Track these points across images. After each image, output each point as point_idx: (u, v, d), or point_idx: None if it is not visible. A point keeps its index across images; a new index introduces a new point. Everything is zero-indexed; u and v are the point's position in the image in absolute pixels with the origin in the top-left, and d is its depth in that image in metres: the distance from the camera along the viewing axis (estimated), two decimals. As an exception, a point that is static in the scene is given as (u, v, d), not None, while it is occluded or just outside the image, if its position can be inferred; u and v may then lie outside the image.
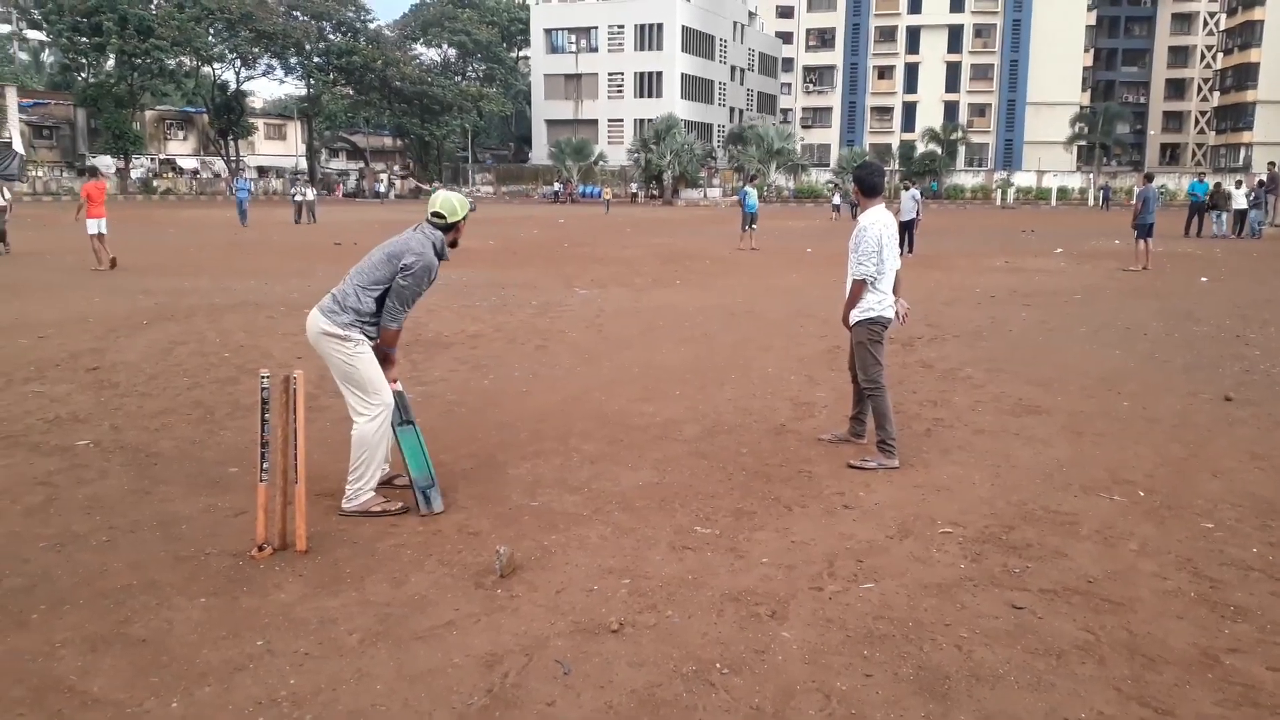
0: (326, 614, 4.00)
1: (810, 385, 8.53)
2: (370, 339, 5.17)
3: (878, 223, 6.19)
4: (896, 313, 6.47)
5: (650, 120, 70.20)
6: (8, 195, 22.27)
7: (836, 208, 44.92)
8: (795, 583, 4.33)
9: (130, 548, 4.69)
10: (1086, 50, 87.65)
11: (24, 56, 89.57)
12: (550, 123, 79.48)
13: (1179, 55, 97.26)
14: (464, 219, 5.38)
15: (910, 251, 21.83)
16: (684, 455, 6.34)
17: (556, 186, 69.18)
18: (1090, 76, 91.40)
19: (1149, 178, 19.50)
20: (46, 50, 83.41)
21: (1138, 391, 8.24)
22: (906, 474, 5.96)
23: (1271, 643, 3.81)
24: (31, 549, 4.66)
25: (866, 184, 6.30)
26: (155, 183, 67.84)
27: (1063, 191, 68.27)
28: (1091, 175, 71.49)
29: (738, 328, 11.77)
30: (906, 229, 22.25)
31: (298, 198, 37.14)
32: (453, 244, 5.39)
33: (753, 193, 26.38)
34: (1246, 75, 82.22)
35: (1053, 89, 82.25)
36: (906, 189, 24.67)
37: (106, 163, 67.05)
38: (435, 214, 5.30)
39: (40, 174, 60.41)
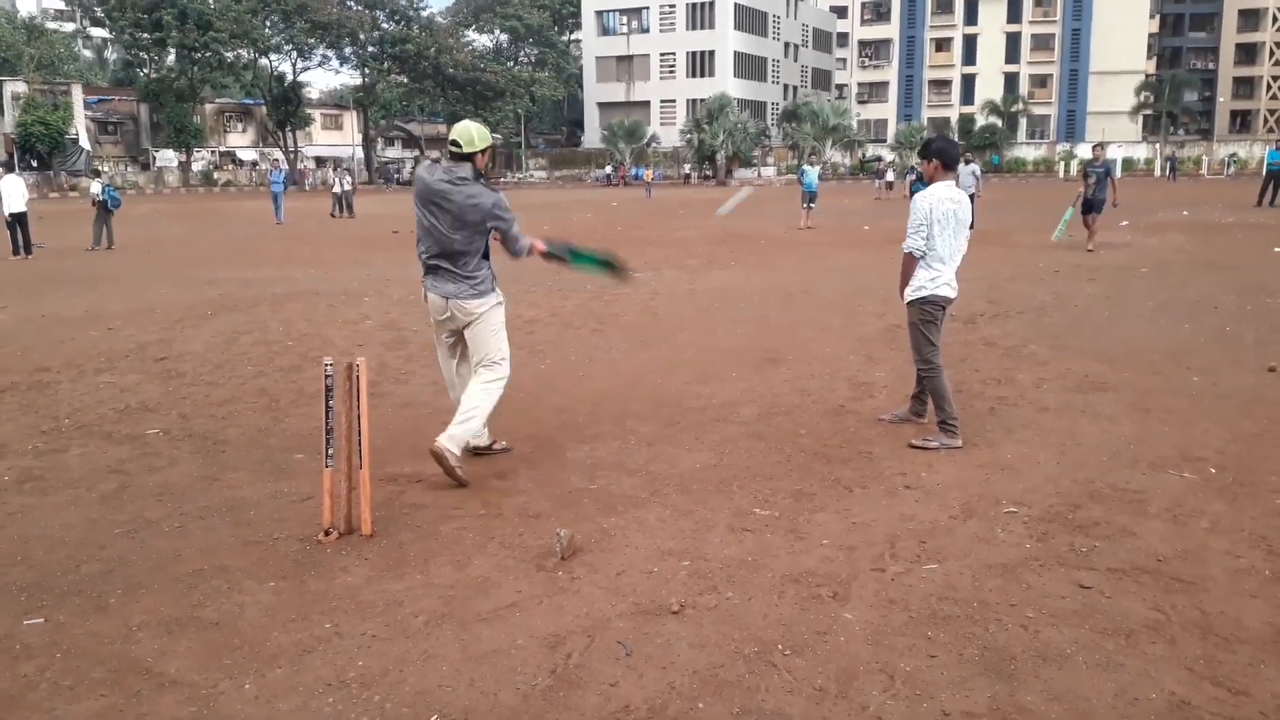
0: (392, 597, 4.06)
1: (869, 365, 8.45)
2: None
3: (930, 195, 6.08)
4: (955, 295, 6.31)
5: (703, 100, 69.90)
6: (95, 189, 22.58)
7: (890, 184, 43.27)
8: (856, 564, 4.31)
9: (201, 533, 4.81)
10: (1152, 16, 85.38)
11: (88, 54, 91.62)
12: (602, 105, 79.48)
13: (1249, 19, 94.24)
14: (484, 150, 5.39)
15: (970, 228, 21.18)
16: (741, 437, 6.32)
17: (609, 170, 69.18)
18: (1156, 43, 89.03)
19: (1096, 148, 18.69)
20: (110, 47, 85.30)
21: (1207, 367, 8.04)
22: (970, 453, 5.88)
23: (1351, 622, 3.70)
24: (107, 535, 4.80)
25: (947, 155, 6.15)
26: (216, 175, 69.14)
27: (1128, 163, 66.65)
28: (1158, 145, 69.75)
29: (794, 308, 11.70)
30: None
31: (335, 189, 34.93)
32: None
33: (811, 171, 26.11)
34: (1321, 36, 79.50)
35: (1117, 57, 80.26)
36: (966, 163, 24.12)
37: (169, 156, 68.51)
38: (452, 142, 5.35)
39: (107, 169, 61.92)
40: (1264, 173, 30.70)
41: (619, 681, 3.37)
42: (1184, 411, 6.67)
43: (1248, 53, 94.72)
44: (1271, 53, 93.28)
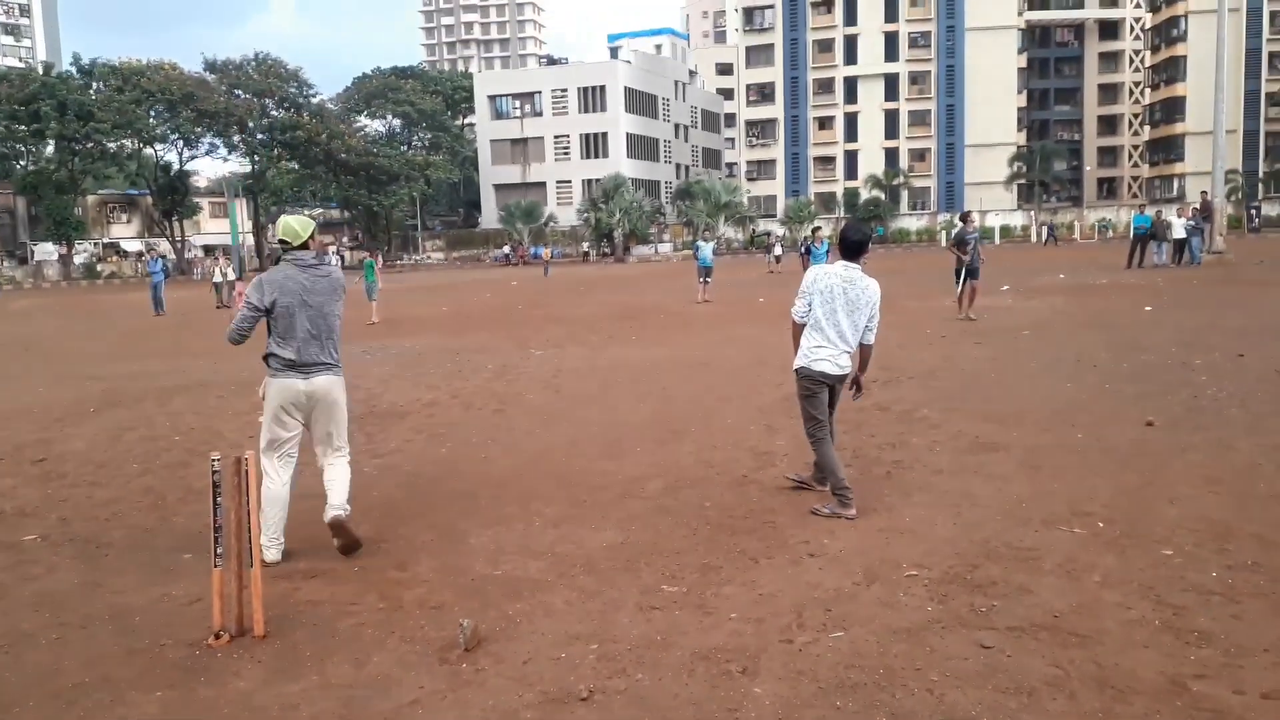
0: (287, 700, 3.90)
1: (770, 434, 8.55)
2: None
3: (823, 269, 6.30)
4: (850, 378, 6.44)
5: (598, 180, 70.95)
6: None
7: (778, 258, 42.89)
8: (765, 636, 4.30)
9: (82, 644, 4.55)
10: (1020, 92, 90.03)
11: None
12: (499, 187, 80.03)
13: (1109, 92, 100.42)
14: (311, 235, 5.74)
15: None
16: (648, 512, 6.30)
17: (507, 249, 69.44)
18: (1025, 116, 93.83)
19: (966, 217, 19.48)
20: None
21: (1091, 423, 8.35)
22: (869, 518, 5.96)
23: (1236, 666, 3.83)
24: (-22, 651, 4.51)
25: (843, 240, 6.33)
26: (99, 267, 67.15)
27: (1005, 229, 69.87)
28: (1032, 213, 73.13)
29: (695, 380, 11.80)
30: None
31: (216, 279, 32.47)
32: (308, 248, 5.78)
33: (705, 246, 26.62)
34: (1174, 109, 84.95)
35: (990, 130, 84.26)
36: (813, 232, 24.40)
37: (48, 249, 66.32)
38: (283, 241, 5.73)
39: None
40: (1130, 236, 32.42)
41: (528, 774, 3.28)
42: (1072, 468, 6.89)
43: (1109, 124, 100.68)
44: (1130, 123, 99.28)
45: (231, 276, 32.31)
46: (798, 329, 6.37)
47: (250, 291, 5.63)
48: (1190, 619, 4.28)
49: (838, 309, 6.19)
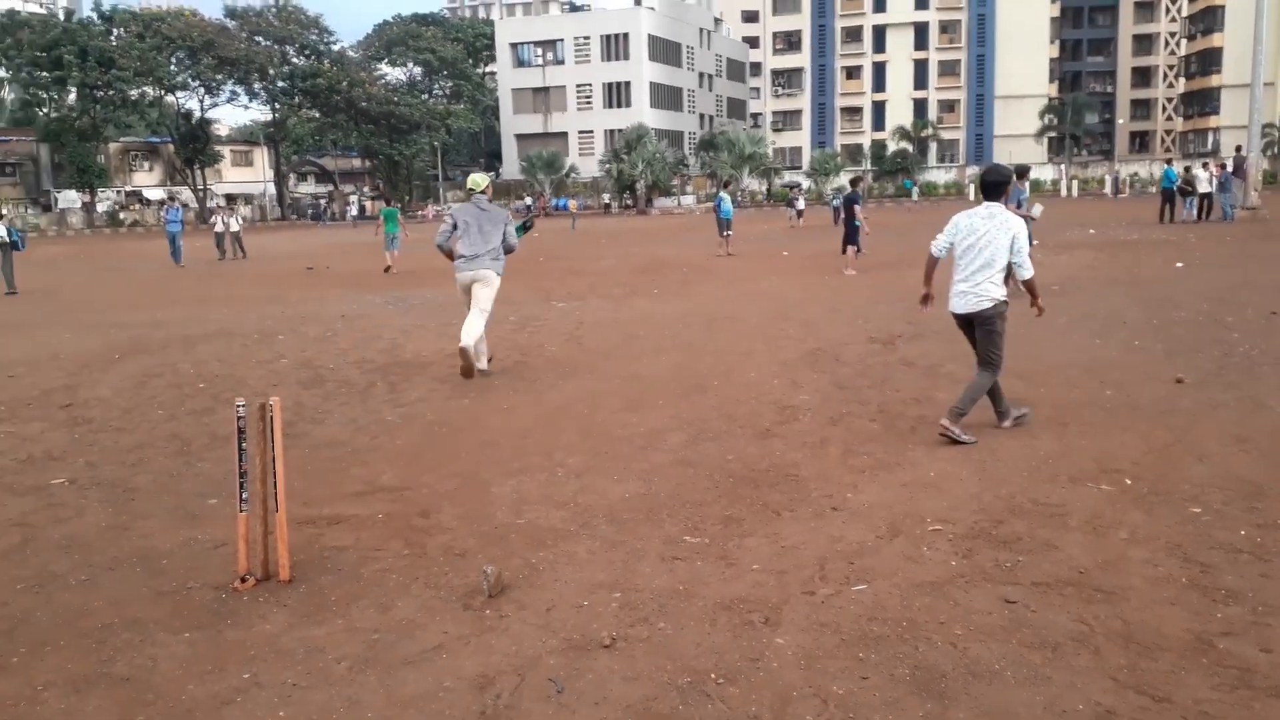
0: (313, 643, 3.93)
1: (793, 389, 8.51)
2: None
3: (967, 212, 6.65)
4: (968, 309, 6.62)
5: (620, 130, 70.32)
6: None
7: (800, 213, 40.56)
8: (787, 588, 4.30)
9: (110, 585, 4.61)
10: (1052, 42, 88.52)
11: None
12: (520, 137, 79.48)
13: (1143, 43, 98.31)
14: (486, 187, 9.59)
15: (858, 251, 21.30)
16: (670, 465, 6.30)
17: (529, 200, 69.14)
18: (1057, 68, 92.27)
19: (854, 182, 19.47)
20: (6, 86, 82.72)
21: (1120, 380, 8.26)
22: (893, 472, 5.94)
23: (1263, 624, 3.80)
24: (9, 591, 4.57)
25: (982, 182, 6.70)
26: (122, 215, 67.38)
27: (1035, 184, 68.78)
28: (1063, 166, 72.08)
29: (718, 334, 11.76)
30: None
31: (218, 228, 30.99)
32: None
33: (727, 198, 26.41)
34: (1211, 60, 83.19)
35: (1021, 82, 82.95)
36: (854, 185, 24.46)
37: (71, 197, 66.54)
38: (469, 189, 9.61)
39: (6, 211, 59.97)
40: (1160, 191, 31.95)
41: (551, 720, 3.30)
42: (1100, 424, 6.83)
43: (1143, 76, 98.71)
44: (1165, 76, 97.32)
45: (235, 227, 31.01)
46: (931, 262, 6.87)
47: (448, 215, 9.45)
48: (1218, 577, 4.24)
49: (973, 246, 6.48)
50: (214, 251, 30.37)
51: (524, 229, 10.58)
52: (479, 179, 9.62)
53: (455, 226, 9.24)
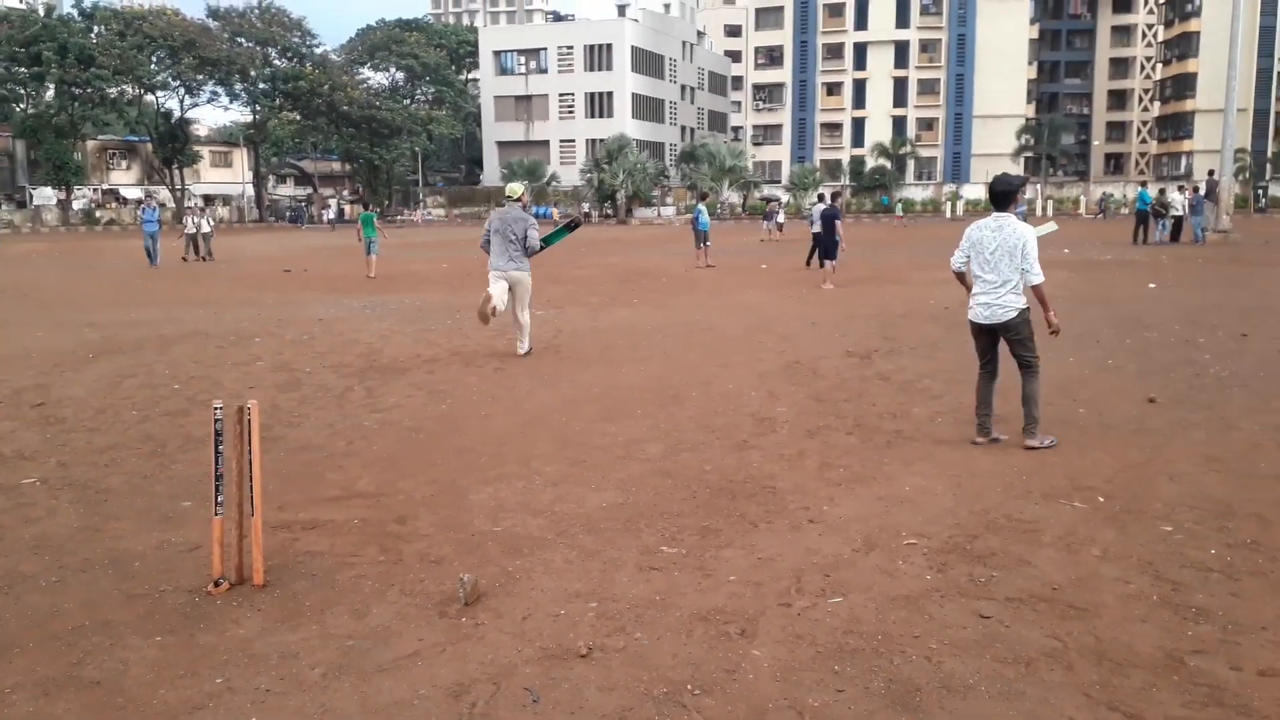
0: (287, 649, 3.91)
1: (771, 401, 8.54)
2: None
3: (977, 224, 6.79)
4: (992, 320, 6.73)
5: (602, 140, 70.41)
6: None
7: (780, 225, 40.89)
8: (763, 600, 4.31)
9: (81, 587, 4.56)
10: (1030, 63, 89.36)
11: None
12: (501, 144, 79.45)
13: (1120, 67, 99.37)
14: (520, 196, 10.93)
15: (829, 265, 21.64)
16: (647, 475, 6.30)
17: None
18: (1035, 89, 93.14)
19: (821, 197, 19.83)
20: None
21: (1093, 398, 8.34)
22: (869, 486, 5.97)
23: (1233, 643, 3.84)
24: (-23, 592, 4.51)
25: (990, 193, 6.79)
26: (98, 213, 66.76)
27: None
28: (1039, 186, 72.71)
29: (696, 345, 11.78)
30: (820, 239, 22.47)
31: (189, 229, 30.37)
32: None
33: (704, 210, 26.51)
34: (1185, 85, 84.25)
35: (998, 102, 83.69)
36: (819, 200, 25.03)
37: (47, 194, 65.87)
38: (507, 197, 10.95)
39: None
40: (1134, 213, 32.32)
41: (526, 729, 3.29)
42: (1073, 442, 6.89)
43: (1119, 99, 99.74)
44: (1140, 99, 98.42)
45: (206, 229, 30.54)
46: (958, 276, 7.02)
47: (488, 223, 10.78)
48: (1189, 595, 4.29)
49: (985, 258, 6.61)
50: (186, 253, 29.95)
51: (569, 229, 12.38)
52: (515, 187, 10.98)
53: (490, 231, 10.77)
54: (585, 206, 70.58)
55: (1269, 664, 3.66)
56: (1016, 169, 79.33)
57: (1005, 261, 6.55)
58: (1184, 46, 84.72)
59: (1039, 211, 64.87)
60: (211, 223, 32.57)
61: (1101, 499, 5.64)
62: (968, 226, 6.93)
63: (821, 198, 25.57)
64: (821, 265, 19.44)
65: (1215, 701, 3.40)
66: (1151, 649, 3.80)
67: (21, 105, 65.35)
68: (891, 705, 3.40)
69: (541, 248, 10.83)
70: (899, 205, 67.46)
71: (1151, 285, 17.80)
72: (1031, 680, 3.56)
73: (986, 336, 6.88)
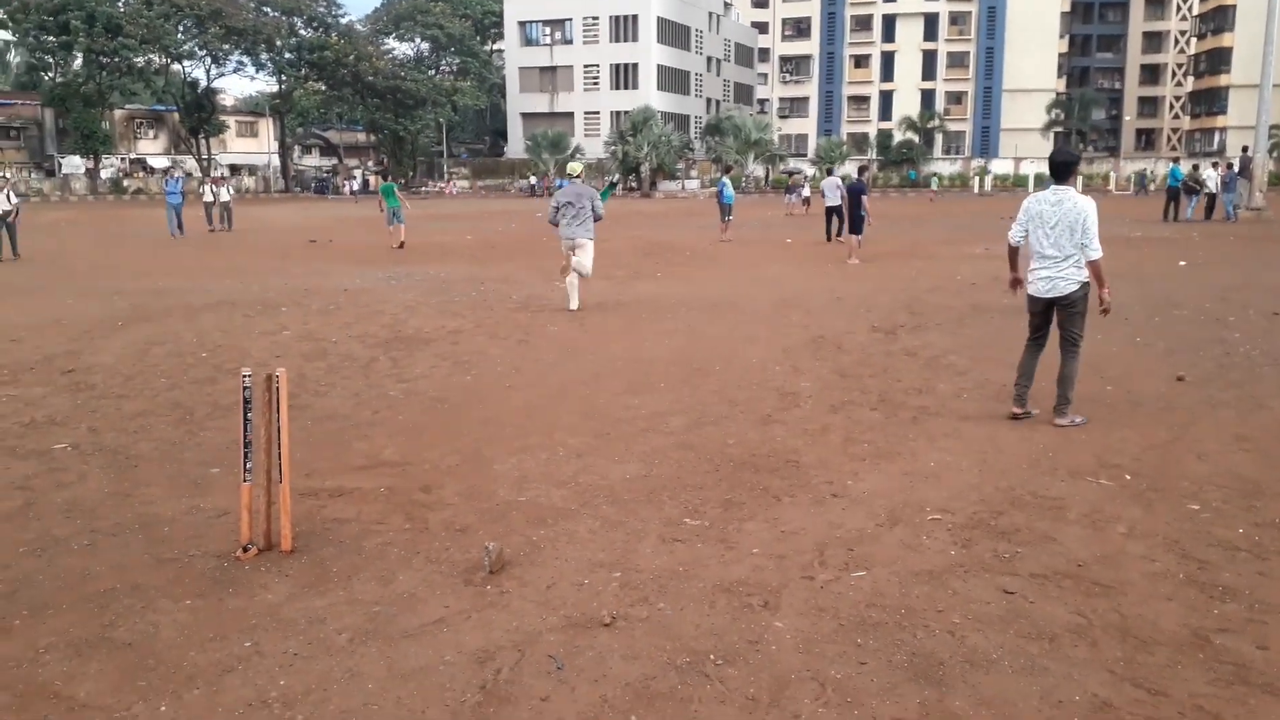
0: (315, 614, 3.96)
1: (795, 375, 8.52)
2: None
3: (1035, 196, 6.70)
4: (1053, 293, 6.62)
5: (627, 112, 70.02)
6: (14, 200, 21.38)
7: (806, 200, 39.02)
8: (786, 572, 4.32)
9: (112, 551, 4.63)
10: (1062, 37, 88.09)
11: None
12: (526, 116, 79.17)
13: (1153, 40, 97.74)
14: (580, 173, 12.85)
15: (841, 236, 22.26)
16: (671, 447, 6.31)
17: (533, 179, 68.92)
18: (1066, 63, 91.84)
19: (831, 171, 19.86)
20: (12, 50, 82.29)
21: (1121, 376, 8.28)
22: (894, 461, 5.96)
23: (1260, 621, 3.82)
24: (11, 554, 4.59)
25: (1050, 165, 6.69)
26: (126, 182, 67.18)
27: (1040, 178, 68.52)
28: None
29: (720, 319, 11.76)
30: (834, 213, 23.23)
31: (207, 197, 30.05)
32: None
33: (729, 183, 26.37)
34: (1220, 60, 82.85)
35: (1029, 76, 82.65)
36: (828, 174, 25.21)
37: (75, 163, 66.32)
38: (568, 174, 12.72)
39: (8, 175, 59.76)
40: (1165, 189, 31.89)
41: (550, 696, 3.33)
42: (1100, 419, 6.84)
43: (1152, 73, 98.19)
44: (1173, 74, 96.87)
45: (225, 198, 30.35)
46: (1012, 251, 6.99)
47: (553, 198, 12.39)
48: (1215, 573, 4.27)
49: (1045, 232, 6.54)
50: (211, 223, 29.99)
51: (611, 188, 16.62)
52: (575, 166, 12.97)
53: (559, 205, 12.15)
54: (609, 178, 70.38)
55: (1296, 643, 3.64)
56: (1045, 144, 78.48)
57: (1066, 236, 6.47)
58: (1219, 20, 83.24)
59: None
60: (231, 192, 32.20)
61: (1128, 477, 5.60)
62: (1024, 200, 6.84)
63: (831, 171, 25.80)
64: (839, 237, 19.36)
65: (1240, 680, 3.39)
66: (1177, 627, 3.78)
67: (50, 74, 65.74)
68: (914, 678, 3.41)
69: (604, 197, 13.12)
70: (933, 180, 66.87)
71: (1182, 263, 17.58)
72: (1055, 656, 3.56)
73: (1043, 312, 6.79)
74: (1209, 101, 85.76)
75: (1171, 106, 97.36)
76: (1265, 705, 3.23)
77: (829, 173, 25.34)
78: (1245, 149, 33.03)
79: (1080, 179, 40.47)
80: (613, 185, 16.19)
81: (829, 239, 23.45)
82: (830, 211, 23.73)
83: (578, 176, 12.59)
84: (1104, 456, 5.98)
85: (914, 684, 3.38)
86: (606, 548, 4.62)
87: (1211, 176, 30.62)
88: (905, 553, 4.53)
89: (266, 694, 3.35)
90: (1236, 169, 31.00)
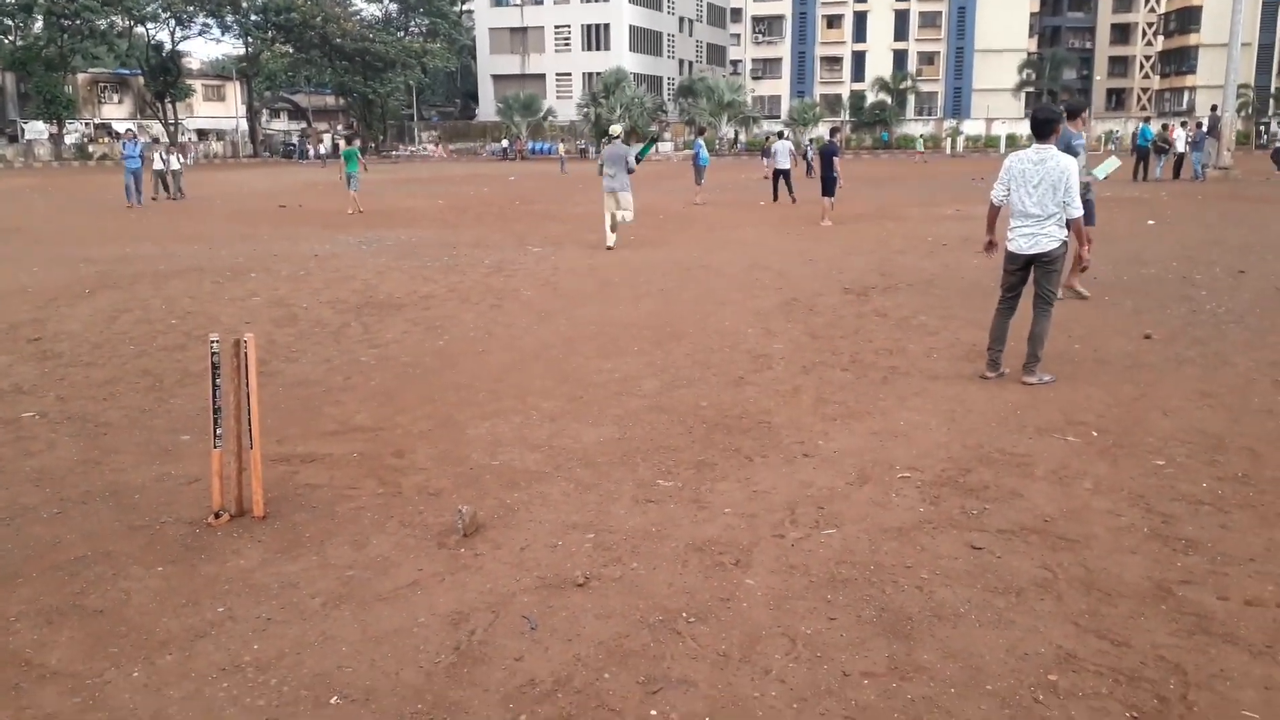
0: (287, 578, 3.96)
1: (767, 338, 8.55)
2: None
3: (1018, 155, 6.69)
4: (1035, 249, 6.64)
5: (599, 74, 69.44)
6: None
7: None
8: (758, 531, 4.36)
9: (82, 519, 4.60)
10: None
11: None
12: (497, 78, 78.36)
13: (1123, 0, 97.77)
14: (620, 134, 15.73)
15: (793, 200, 23.68)
16: (644, 410, 6.33)
17: (505, 143, 68.34)
18: (1037, 23, 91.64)
19: (782, 135, 20.84)
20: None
21: (1088, 334, 8.36)
22: (864, 421, 6.00)
23: (1221, 573, 3.90)
24: (-21, 524, 4.55)
25: (1032, 123, 6.67)
26: (91, 148, 66.03)
27: (1012, 139, 68.73)
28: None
29: (693, 282, 11.76)
30: (782, 176, 24.21)
31: (157, 165, 28.47)
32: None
33: (704, 145, 26.33)
34: (1189, 19, 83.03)
35: (1000, 36, 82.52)
36: (780, 137, 26.04)
37: (39, 128, 65.09)
38: (608, 136, 15.75)
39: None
40: (1134, 149, 32.04)
41: (524, 655, 3.35)
42: (1067, 377, 6.92)
43: (1122, 32, 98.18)
44: (1143, 33, 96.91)
45: (175, 165, 28.84)
46: (992, 211, 6.98)
47: (600, 157, 14.99)
48: (1178, 527, 4.34)
49: (1028, 191, 6.53)
50: (155, 191, 28.79)
51: (653, 143, 18.07)
52: (616, 128, 15.93)
53: (602, 163, 14.89)
54: (581, 143, 69.85)
55: (1256, 594, 3.72)
56: (1017, 105, 78.55)
57: (1049, 195, 6.48)
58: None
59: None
60: (182, 160, 31.09)
61: (1095, 433, 5.68)
62: (1006, 159, 6.82)
63: (782, 135, 26.51)
64: (791, 199, 19.88)
65: (1202, 630, 3.46)
66: (1140, 579, 3.85)
67: (10, 37, 64.27)
68: (883, 633, 3.46)
69: (638, 161, 15.13)
70: (917, 141, 66.68)
71: (1150, 222, 17.72)
72: (1021, 609, 3.62)
73: (1021, 271, 6.80)
74: (1179, 61, 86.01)
75: (1142, 66, 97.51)
76: (1225, 654, 3.31)
77: (780, 136, 26.13)
78: (1214, 108, 33.20)
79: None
80: (654, 140, 20.11)
81: (775, 199, 24.35)
82: (778, 174, 24.24)
83: (617, 137, 15.41)
84: (1071, 414, 6.05)
85: (883, 638, 3.43)
86: (580, 510, 4.65)
87: (1181, 136, 30.78)
88: (875, 510, 4.59)
89: (240, 659, 3.35)
90: (1205, 128, 31.18)
